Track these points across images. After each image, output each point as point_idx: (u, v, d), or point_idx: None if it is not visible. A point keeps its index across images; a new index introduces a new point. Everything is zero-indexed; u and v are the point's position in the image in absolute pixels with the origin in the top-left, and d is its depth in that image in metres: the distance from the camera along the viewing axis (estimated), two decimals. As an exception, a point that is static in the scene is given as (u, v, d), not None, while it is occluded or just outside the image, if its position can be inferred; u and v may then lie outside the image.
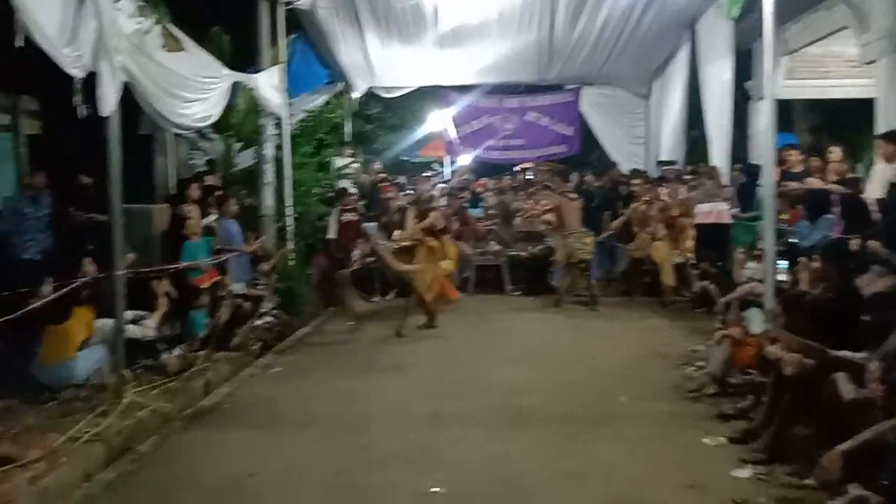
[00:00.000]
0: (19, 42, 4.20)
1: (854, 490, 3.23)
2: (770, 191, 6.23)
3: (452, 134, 13.46)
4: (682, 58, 10.96)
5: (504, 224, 11.16)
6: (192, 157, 9.75)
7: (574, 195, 9.94)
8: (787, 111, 12.28)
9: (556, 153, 13.33)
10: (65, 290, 5.05)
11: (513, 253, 10.76)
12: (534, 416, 5.23)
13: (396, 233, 8.30)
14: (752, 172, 9.09)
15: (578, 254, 9.09)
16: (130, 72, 5.34)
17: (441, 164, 17.89)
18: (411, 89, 13.11)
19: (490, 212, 11.76)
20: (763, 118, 6.64)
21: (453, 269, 8.59)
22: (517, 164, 13.94)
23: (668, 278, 9.27)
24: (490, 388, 5.90)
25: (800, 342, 4.29)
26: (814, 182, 7.86)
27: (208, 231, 7.36)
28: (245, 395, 5.86)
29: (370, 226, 9.75)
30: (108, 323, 5.33)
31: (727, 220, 9.16)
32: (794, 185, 8.31)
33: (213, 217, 7.67)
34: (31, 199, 6.84)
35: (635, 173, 11.11)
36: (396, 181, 12.05)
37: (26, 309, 4.65)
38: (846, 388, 3.75)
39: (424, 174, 13.13)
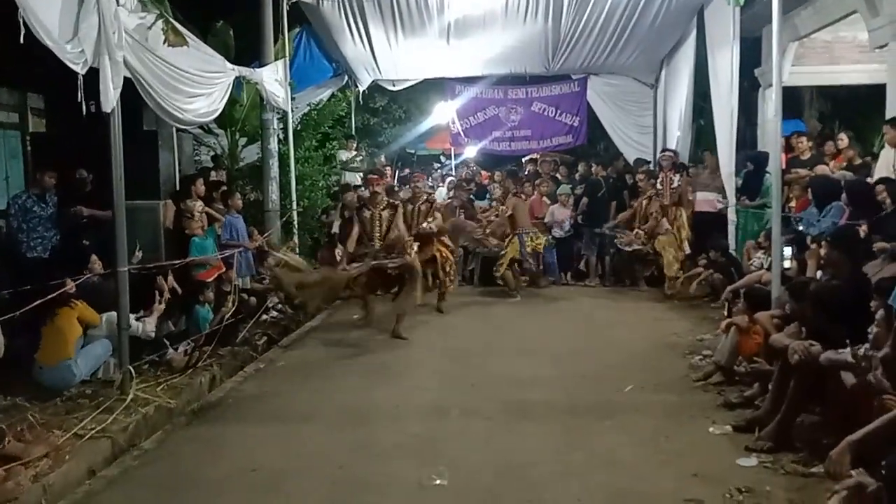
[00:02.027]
0: (22, 38, 4.23)
1: (856, 476, 3.19)
2: (777, 178, 6.16)
3: (458, 126, 13.41)
4: (689, 45, 10.84)
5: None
6: (197, 153, 9.77)
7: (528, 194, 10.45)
8: (796, 98, 12.18)
9: (563, 144, 13.24)
10: (61, 290, 5.05)
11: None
12: (538, 407, 5.20)
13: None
14: (759, 160, 9.02)
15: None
16: (132, 67, 5.34)
17: (447, 157, 17.85)
18: (416, 82, 13.06)
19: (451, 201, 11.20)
20: (771, 105, 6.56)
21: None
22: (523, 156, 13.87)
23: (671, 269, 9.24)
24: (494, 381, 5.89)
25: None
26: (822, 169, 7.78)
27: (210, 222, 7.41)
28: (250, 390, 5.86)
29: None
30: (113, 317, 5.34)
31: (715, 208, 9.28)
32: (804, 171, 8.25)
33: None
34: (38, 196, 6.84)
35: (639, 163, 11.05)
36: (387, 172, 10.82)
37: (28, 307, 4.64)
38: (847, 375, 3.70)
39: (416, 172, 12.52)
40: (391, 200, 7.91)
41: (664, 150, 10.47)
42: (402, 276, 7.49)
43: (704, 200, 9.47)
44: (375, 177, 8.27)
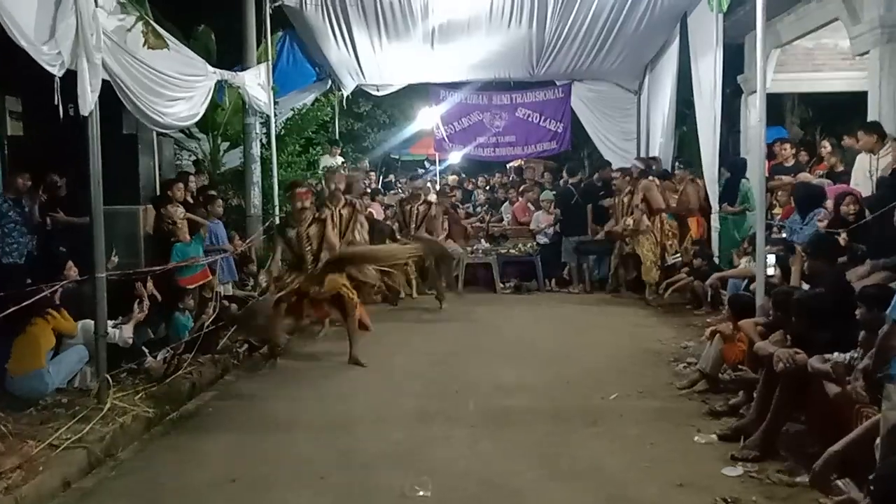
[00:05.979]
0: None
1: (845, 488, 3.18)
2: (760, 185, 6.16)
3: (442, 131, 13.38)
4: (672, 52, 10.89)
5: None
6: (179, 157, 9.66)
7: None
8: (777, 105, 12.26)
9: (547, 150, 13.29)
10: (37, 297, 4.93)
11: (503, 251, 10.77)
12: (522, 414, 5.16)
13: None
14: (736, 167, 9.08)
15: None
16: (111, 70, 5.25)
17: (431, 162, 17.82)
18: (401, 87, 13.02)
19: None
20: (754, 112, 6.58)
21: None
22: (507, 162, 13.89)
23: (651, 275, 9.23)
24: (478, 387, 5.83)
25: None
26: (805, 176, 7.82)
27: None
28: (230, 399, 5.77)
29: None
30: (90, 325, 5.24)
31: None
32: (787, 178, 8.30)
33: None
34: (13, 201, 6.71)
35: (623, 170, 11.06)
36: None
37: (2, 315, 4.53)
38: (830, 385, 3.70)
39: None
40: (317, 214, 7.04)
41: (637, 157, 10.38)
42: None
43: None
44: (302, 190, 7.06)
